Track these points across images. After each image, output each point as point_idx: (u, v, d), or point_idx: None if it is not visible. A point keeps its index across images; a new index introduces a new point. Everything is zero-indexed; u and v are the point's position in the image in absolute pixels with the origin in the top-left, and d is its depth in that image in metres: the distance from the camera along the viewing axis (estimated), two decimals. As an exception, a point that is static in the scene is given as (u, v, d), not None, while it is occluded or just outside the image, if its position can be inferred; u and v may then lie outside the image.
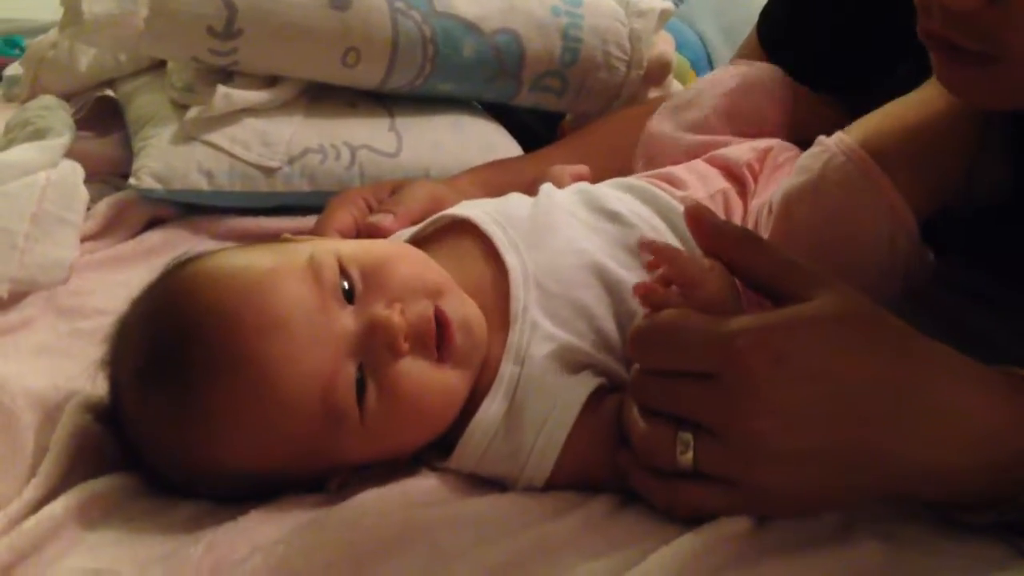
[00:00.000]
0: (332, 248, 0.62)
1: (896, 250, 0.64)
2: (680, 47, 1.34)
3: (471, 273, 0.66)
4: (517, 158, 1.01)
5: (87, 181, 0.97)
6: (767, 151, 0.77)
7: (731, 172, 0.76)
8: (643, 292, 0.56)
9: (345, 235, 0.77)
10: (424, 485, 0.60)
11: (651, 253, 0.57)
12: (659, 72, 1.16)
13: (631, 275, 0.64)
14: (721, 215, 0.71)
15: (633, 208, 0.70)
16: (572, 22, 1.09)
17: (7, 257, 0.78)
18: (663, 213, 0.70)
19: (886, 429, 0.51)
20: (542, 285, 0.64)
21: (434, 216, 0.72)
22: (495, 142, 1.07)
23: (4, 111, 1.13)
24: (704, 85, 0.85)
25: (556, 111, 1.17)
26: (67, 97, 1.10)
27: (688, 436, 0.53)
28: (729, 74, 0.84)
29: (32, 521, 0.54)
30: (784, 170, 0.75)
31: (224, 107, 0.93)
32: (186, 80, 0.98)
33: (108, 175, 1.02)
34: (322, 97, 1.03)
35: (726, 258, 0.56)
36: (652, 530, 0.55)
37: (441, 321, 0.60)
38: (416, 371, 0.59)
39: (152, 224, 0.95)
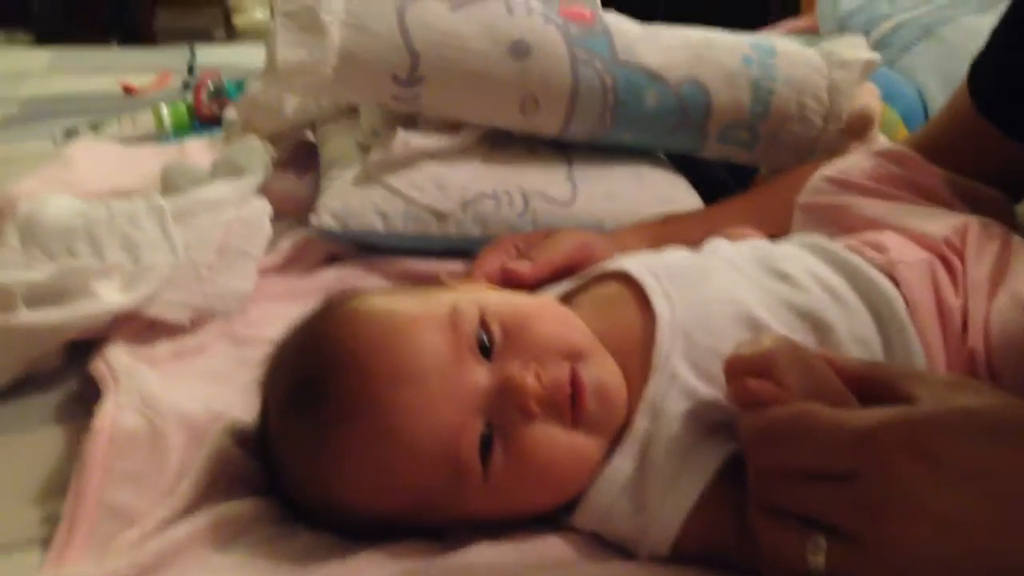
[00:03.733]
0: (476, 299, 0.62)
1: None
2: (891, 100, 1.26)
3: (619, 321, 0.64)
4: (689, 213, 0.97)
5: (281, 218, 1.02)
6: (966, 227, 0.69)
7: (929, 248, 0.69)
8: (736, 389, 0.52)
9: (491, 279, 0.77)
10: (540, 545, 0.58)
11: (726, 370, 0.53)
12: (860, 126, 1.08)
13: (792, 336, 0.60)
14: (928, 285, 0.65)
15: (811, 268, 0.66)
16: (764, 73, 1.05)
17: (191, 287, 0.83)
18: (846, 272, 0.65)
19: None
20: (690, 335, 0.61)
21: (589, 269, 0.71)
22: (675, 196, 1.04)
23: (224, 150, 1.22)
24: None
25: (746, 164, 1.12)
26: (275, 139, 1.17)
27: (821, 540, 0.48)
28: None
29: (157, 540, 0.56)
30: (992, 246, 0.67)
31: (403, 152, 0.96)
32: (373, 124, 1.02)
33: (302, 213, 1.07)
34: (503, 142, 1.04)
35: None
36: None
37: (576, 386, 0.58)
38: (546, 435, 0.57)
39: (331, 260, 0.99)
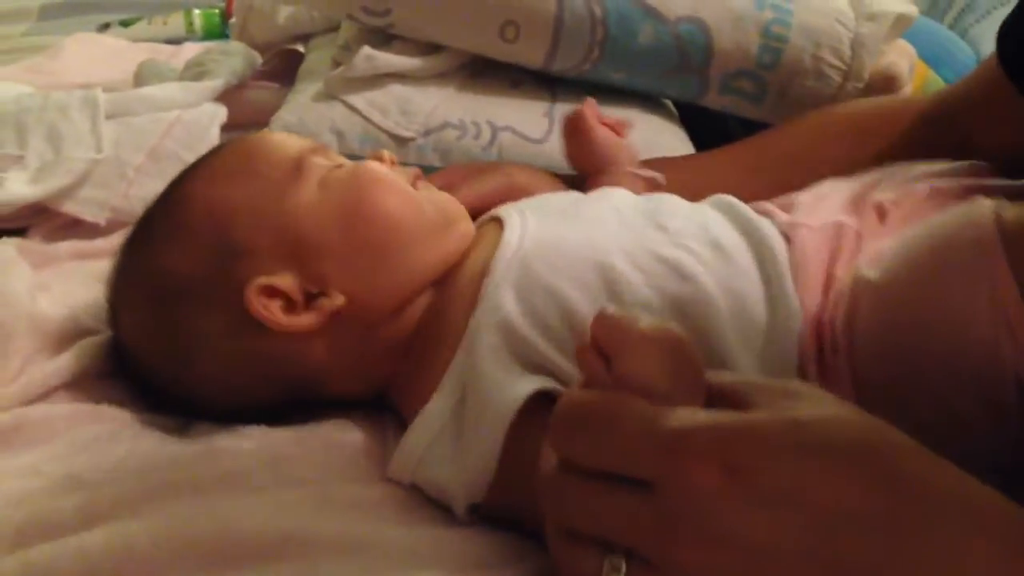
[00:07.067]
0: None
1: (1001, 364, 0.46)
2: (941, 64, 1.14)
3: (479, 251, 0.60)
4: (663, 159, 0.89)
5: (249, 128, 0.98)
6: (912, 193, 0.60)
7: (855, 211, 0.60)
8: (579, 355, 0.43)
9: None
10: (356, 493, 0.53)
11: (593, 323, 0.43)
12: (884, 86, 0.98)
13: (649, 281, 0.54)
14: (822, 251, 0.57)
15: (706, 223, 0.59)
16: (778, 18, 0.95)
17: (114, 186, 0.80)
18: (744, 229, 0.59)
19: None
20: (528, 266, 0.56)
21: (484, 216, 0.65)
22: (661, 144, 0.95)
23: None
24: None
25: (755, 120, 1.03)
26: (268, 48, 1.13)
27: (620, 562, 0.39)
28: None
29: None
30: (921, 215, 0.59)
31: (365, 69, 0.91)
32: (347, 39, 0.96)
33: (270, 125, 1.03)
34: (486, 72, 0.98)
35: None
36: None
37: None
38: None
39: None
